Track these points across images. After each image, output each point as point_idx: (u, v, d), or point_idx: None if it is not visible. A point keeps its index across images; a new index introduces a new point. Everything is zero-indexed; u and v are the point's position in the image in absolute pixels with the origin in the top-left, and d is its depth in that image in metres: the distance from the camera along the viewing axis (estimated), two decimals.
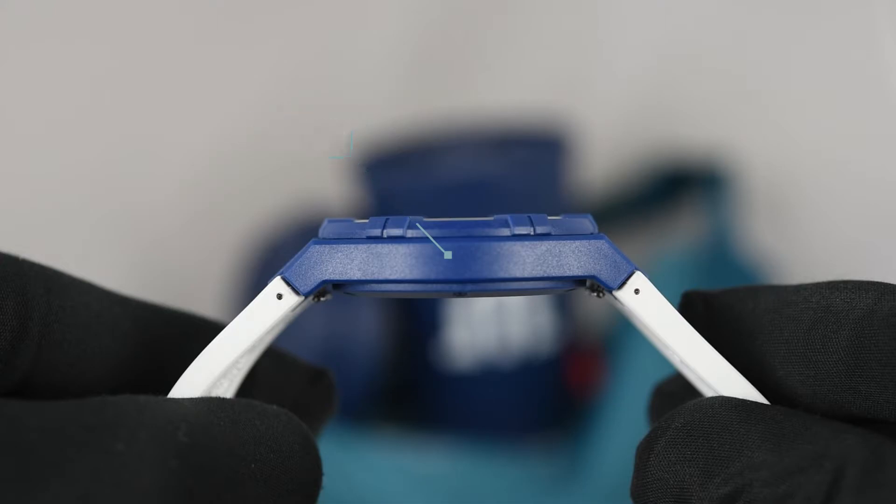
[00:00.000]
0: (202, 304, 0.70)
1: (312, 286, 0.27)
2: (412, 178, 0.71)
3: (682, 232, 0.80)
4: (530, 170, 0.70)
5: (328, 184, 0.78)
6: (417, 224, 0.27)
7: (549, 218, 0.28)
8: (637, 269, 0.27)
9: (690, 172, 0.79)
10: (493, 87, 0.83)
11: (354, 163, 0.74)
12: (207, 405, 0.25)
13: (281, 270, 0.27)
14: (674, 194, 0.80)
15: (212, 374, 0.27)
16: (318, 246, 0.27)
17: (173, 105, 0.78)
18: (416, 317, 0.70)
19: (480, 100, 0.80)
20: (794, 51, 0.78)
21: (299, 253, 0.28)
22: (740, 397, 0.26)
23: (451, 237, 0.27)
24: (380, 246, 0.27)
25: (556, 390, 0.73)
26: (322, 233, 0.28)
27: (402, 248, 0.27)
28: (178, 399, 0.25)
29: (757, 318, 0.27)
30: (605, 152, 0.80)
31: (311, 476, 0.26)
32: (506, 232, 0.27)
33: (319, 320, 0.67)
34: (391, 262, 0.27)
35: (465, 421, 0.72)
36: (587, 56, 0.83)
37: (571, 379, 0.73)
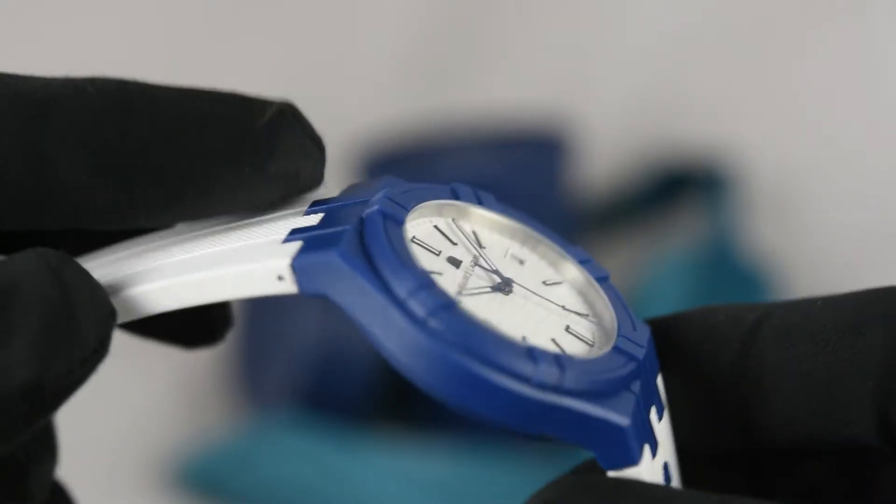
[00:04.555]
0: None
1: (313, 292, 0.24)
2: (410, 180, 0.70)
3: (683, 232, 0.80)
4: (529, 170, 0.70)
5: (326, 184, 0.78)
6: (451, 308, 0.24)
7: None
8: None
9: (692, 172, 0.78)
10: (492, 88, 0.82)
11: (352, 164, 0.73)
12: None
13: (295, 255, 0.24)
14: (675, 194, 0.80)
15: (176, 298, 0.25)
16: (340, 261, 0.24)
17: None
18: None
19: (479, 100, 0.80)
20: (800, 47, 0.78)
21: (322, 246, 0.24)
22: None
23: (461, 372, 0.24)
24: (395, 314, 0.23)
25: None
26: (368, 220, 0.25)
27: (411, 334, 0.23)
28: None
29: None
30: (605, 152, 0.80)
31: None
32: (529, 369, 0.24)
33: (318, 318, 0.67)
34: (392, 335, 0.23)
35: (466, 422, 0.71)
36: (587, 56, 0.82)
37: None
